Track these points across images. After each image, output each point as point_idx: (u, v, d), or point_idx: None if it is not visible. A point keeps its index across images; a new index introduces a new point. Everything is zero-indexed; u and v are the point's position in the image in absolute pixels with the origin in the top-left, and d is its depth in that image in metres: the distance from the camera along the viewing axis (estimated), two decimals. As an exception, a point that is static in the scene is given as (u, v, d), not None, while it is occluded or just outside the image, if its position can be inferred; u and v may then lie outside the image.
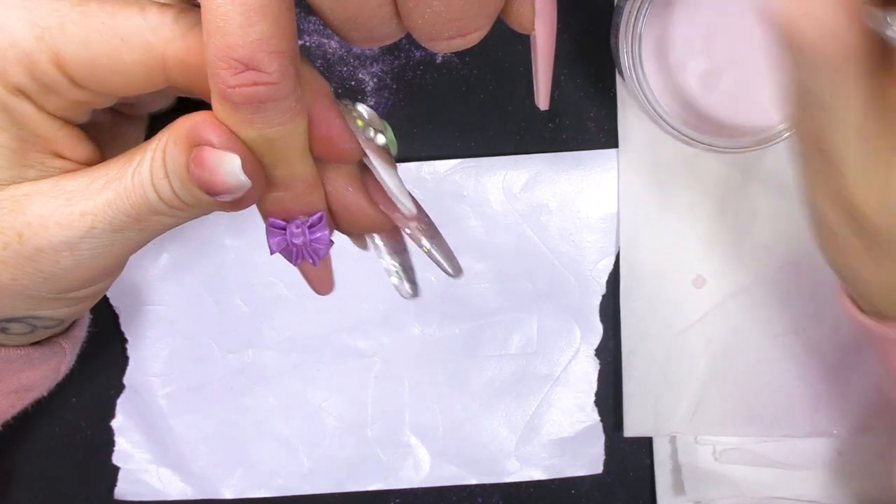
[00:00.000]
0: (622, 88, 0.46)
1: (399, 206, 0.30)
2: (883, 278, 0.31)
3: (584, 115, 0.46)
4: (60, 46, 0.27)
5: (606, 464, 0.47)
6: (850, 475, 0.46)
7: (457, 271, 0.32)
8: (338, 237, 0.32)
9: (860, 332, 0.36)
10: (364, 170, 0.31)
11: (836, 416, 0.46)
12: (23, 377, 0.37)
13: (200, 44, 0.27)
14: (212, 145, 0.26)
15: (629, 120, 0.45)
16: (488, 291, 0.47)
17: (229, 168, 0.26)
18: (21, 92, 0.28)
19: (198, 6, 0.26)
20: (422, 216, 0.32)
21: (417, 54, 0.46)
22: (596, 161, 0.46)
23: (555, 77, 0.45)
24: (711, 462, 0.47)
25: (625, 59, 0.40)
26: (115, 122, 0.33)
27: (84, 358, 0.41)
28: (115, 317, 0.47)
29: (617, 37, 0.41)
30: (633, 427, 0.46)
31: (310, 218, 0.29)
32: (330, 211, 0.31)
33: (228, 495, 0.48)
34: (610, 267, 0.47)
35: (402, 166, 0.45)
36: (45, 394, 0.40)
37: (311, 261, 0.30)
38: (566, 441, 0.47)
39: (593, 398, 0.47)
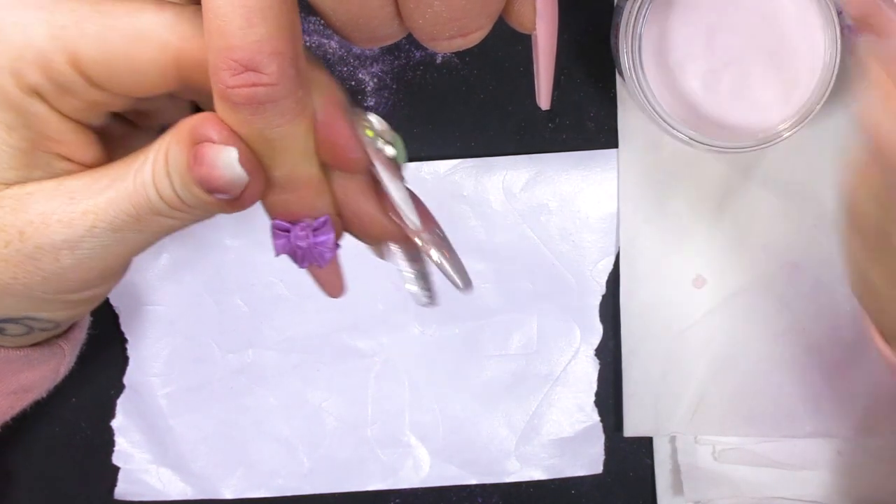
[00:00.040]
0: (622, 88, 0.46)
1: (404, 218, 0.30)
2: None
3: (584, 115, 0.46)
4: (77, 44, 0.27)
5: (606, 464, 0.47)
6: (850, 475, 0.46)
7: (467, 285, 0.32)
8: (349, 240, 0.32)
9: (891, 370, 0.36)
10: (377, 179, 0.31)
11: (837, 417, 0.46)
12: (22, 378, 0.37)
13: None
14: (212, 141, 0.26)
15: (629, 120, 0.45)
16: (488, 291, 0.47)
17: (226, 160, 0.26)
18: (36, 93, 0.28)
19: None
20: (434, 228, 0.31)
21: (417, 54, 0.46)
22: (596, 161, 0.46)
23: (555, 77, 0.45)
24: (711, 462, 0.47)
25: (625, 59, 0.40)
26: (127, 133, 0.33)
27: (84, 358, 0.41)
28: (115, 317, 0.47)
29: (617, 37, 0.41)
30: (633, 427, 0.47)
31: (314, 221, 0.29)
32: (342, 218, 0.31)
33: (228, 495, 0.48)
34: (610, 267, 0.47)
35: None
36: (44, 395, 0.40)
37: (316, 264, 0.30)
38: (566, 441, 0.47)
39: (593, 398, 0.47)
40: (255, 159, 0.27)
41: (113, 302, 0.47)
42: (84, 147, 0.29)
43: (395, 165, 0.30)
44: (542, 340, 0.47)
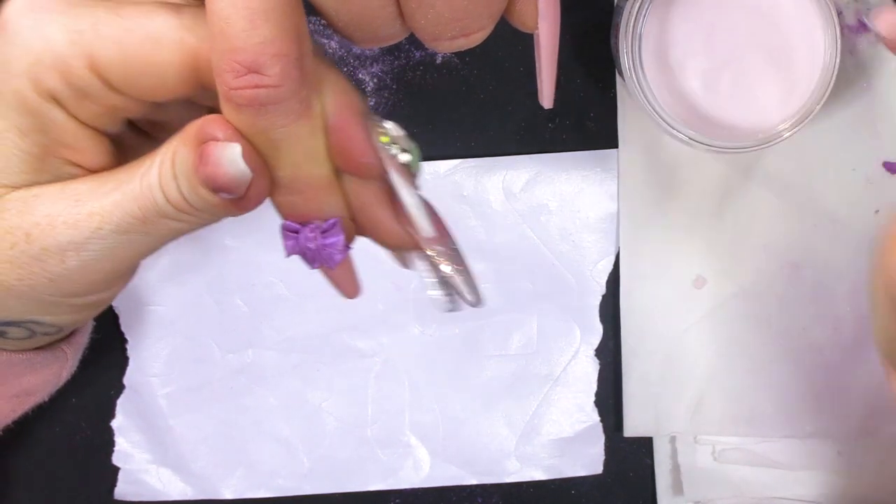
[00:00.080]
0: (622, 88, 0.46)
1: (416, 225, 0.30)
2: None
3: (584, 115, 0.46)
4: (95, 48, 0.27)
5: (606, 464, 0.47)
6: (850, 475, 0.46)
7: (477, 300, 0.31)
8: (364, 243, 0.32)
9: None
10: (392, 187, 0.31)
11: (837, 417, 0.46)
12: (24, 381, 0.37)
13: None
14: (216, 139, 0.26)
15: (629, 120, 0.46)
16: (488, 291, 0.47)
17: (230, 157, 0.26)
18: (54, 98, 0.28)
19: None
20: (447, 241, 0.31)
21: (417, 54, 0.46)
22: (596, 161, 0.46)
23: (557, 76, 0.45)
24: (711, 462, 0.47)
25: (625, 59, 0.40)
26: (140, 143, 0.32)
27: (84, 358, 0.41)
28: (116, 317, 0.47)
29: (617, 37, 0.41)
30: (632, 427, 0.47)
31: (324, 223, 0.29)
32: (357, 223, 0.31)
33: (228, 495, 0.48)
34: (610, 267, 0.47)
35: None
36: (46, 399, 0.40)
37: (326, 266, 0.30)
38: (566, 441, 0.47)
39: (593, 398, 0.47)
40: (259, 157, 0.27)
41: (113, 302, 0.47)
42: (97, 154, 0.29)
43: (409, 172, 0.30)
44: (542, 340, 0.47)
